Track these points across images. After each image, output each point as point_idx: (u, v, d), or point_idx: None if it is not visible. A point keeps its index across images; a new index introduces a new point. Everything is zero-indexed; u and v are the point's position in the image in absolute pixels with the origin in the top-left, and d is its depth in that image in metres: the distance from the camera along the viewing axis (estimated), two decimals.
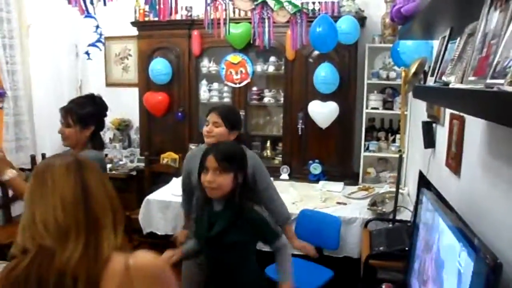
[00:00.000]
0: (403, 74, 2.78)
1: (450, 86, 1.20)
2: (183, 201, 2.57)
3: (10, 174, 1.98)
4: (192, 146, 4.13)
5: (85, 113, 2.18)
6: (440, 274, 1.43)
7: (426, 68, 2.44)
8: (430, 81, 1.57)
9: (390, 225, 2.79)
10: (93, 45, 2.29)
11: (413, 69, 2.48)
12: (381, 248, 2.41)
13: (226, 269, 1.87)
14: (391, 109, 3.76)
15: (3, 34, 3.83)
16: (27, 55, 4.13)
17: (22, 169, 2.67)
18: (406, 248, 2.19)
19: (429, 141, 2.53)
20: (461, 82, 1.11)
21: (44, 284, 1.02)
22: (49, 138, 4.32)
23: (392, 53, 3.35)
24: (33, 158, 4.09)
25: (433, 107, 2.58)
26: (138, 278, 1.05)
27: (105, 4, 2.00)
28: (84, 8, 1.95)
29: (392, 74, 3.73)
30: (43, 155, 4.21)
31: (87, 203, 1.09)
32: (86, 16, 2.18)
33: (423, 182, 2.08)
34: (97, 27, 2.19)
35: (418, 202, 2.00)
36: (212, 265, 1.93)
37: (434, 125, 2.55)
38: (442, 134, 2.30)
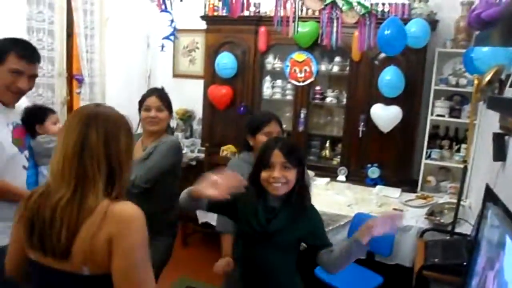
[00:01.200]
0: (475, 81, 2.66)
1: None
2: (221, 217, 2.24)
3: None
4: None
5: (170, 100, 2.37)
6: None
7: (503, 76, 2.33)
8: (509, 92, 1.51)
9: (448, 237, 2.71)
10: (167, 38, 2.41)
11: (488, 77, 2.36)
12: (436, 260, 2.35)
13: (268, 268, 1.78)
14: (458, 117, 3.61)
15: (85, 25, 4.10)
16: (104, 45, 4.39)
17: None
18: (464, 263, 2.13)
19: (500, 154, 2.42)
20: None
21: (42, 217, 1.19)
22: None
23: (464, 59, 3.19)
24: None
25: (507, 119, 2.46)
26: (112, 222, 1.17)
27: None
28: (162, 3, 2.06)
29: (463, 81, 3.58)
30: None
31: (82, 157, 1.20)
32: (162, 11, 2.30)
33: (490, 197, 2.00)
34: (172, 21, 2.30)
35: (482, 216, 1.94)
36: (252, 262, 1.81)
37: (506, 137, 2.43)
38: None
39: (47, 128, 2.07)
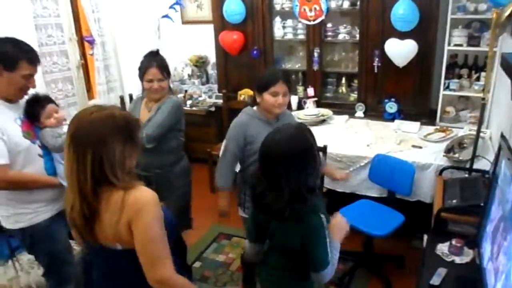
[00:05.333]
0: (494, 15, 2.55)
1: None
2: (224, 171, 2.41)
3: None
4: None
5: (167, 65, 2.55)
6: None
7: None
8: None
9: (466, 175, 2.77)
10: (171, 7, 2.38)
11: (508, 11, 2.26)
12: (454, 201, 2.43)
13: None
14: (478, 45, 3.48)
15: None
16: (109, 1, 4.31)
17: None
18: (481, 204, 2.20)
19: None
20: None
21: (73, 222, 1.48)
22: (134, 78, 4.63)
23: None
24: (121, 98, 4.45)
25: None
26: (128, 210, 1.37)
27: None
28: None
29: (482, 7, 3.40)
30: (130, 96, 4.56)
31: (78, 172, 1.38)
32: None
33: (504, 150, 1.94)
34: None
35: (496, 166, 1.97)
36: None
37: None
38: None
39: (44, 124, 2.14)
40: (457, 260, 2.07)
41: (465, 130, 3.44)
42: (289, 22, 4.26)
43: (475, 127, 2.86)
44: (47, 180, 2.13)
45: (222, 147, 2.46)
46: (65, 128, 2.13)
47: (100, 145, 1.36)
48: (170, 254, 1.44)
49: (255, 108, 2.41)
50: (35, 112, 2.12)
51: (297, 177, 1.60)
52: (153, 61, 2.50)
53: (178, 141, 2.68)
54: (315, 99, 4.24)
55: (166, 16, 2.41)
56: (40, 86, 2.53)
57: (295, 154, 1.61)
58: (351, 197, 3.25)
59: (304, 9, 3.99)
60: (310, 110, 4.09)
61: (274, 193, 1.62)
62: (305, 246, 1.66)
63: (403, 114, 3.88)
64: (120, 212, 1.37)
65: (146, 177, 2.37)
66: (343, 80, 4.29)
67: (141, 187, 1.43)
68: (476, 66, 3.66)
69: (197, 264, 3.29)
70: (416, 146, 3.33)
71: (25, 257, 2.99)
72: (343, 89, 4.31)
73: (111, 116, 1.39)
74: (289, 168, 1.59)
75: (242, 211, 2.52)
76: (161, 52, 2.63)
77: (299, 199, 1.61)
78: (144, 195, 1.40)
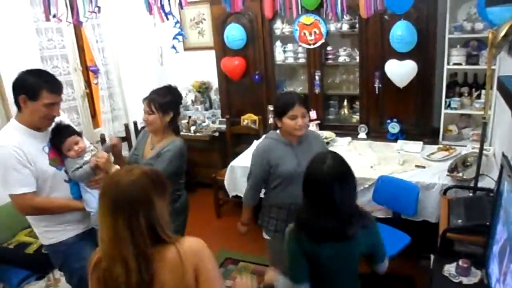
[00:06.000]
0: (490, 36, 2.57)
1: None
2: (253, 193, 2.57)
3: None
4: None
5: (165, 101, 2.48)
6: None
7: None
8: None
9: (471, 194, 2.75)
10: (175, 38, 2.44)
11: (503, 32, 2.28)
12: (459, 221, 2.41)
13: None
14: (477, 63, 3.52)
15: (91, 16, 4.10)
16: (111, 31, 4.40)
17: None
18: (487, 224, 2.19)
19: None
20: None
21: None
22: (138, 106, 4.69)
23: (478, 3, 3.07)
24: (126, 126, 4.50)
25: None
26: (190, 259, 1.36)
27: (181, 7, 2.11)
28: (163, 15, 2.07)
29: (479, 26, 3.45)
30: (135, 123, 4.62)
31: (116, 241, 1.32)
32: (166, 14, 2.31)
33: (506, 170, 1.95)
34: (177, 22, 2.31)
35: (500, 184, 1.97)
36: None
37: None
38: None
39: (66, 155, 2.20)
40: (465, 281, 2.04)
41: (468, 148, 3.44)
42: (290, 46, 4.33)
43: (478, 145, 2.86)
44: (72, 206, 2.24)
45: (249, 172, 2.57)
46: (86, 157, 2.21)
47: (149, 203, 1.32)
48: None
49: (278, 131, 2.49)
50: (57, 143, 2.19)
51: (349, 196, 1.75)
52: (150, 94, 2.53)
53: (177, 185, 2.60)
54: (318, 122, 4.26)
55: (173, 47, 2.46)
56: None
57: (348, 174, 1.74)
58: None
59: (304, 33, 4.05)
60: None
61: (330, 216, 1.71)
62: (373, 246, 1.85)
63: (406, 134, 3.90)
64: (182, 266, 1.34)
65: None
66: (345, 102, 4.32)
67: (187, 237, 1.44)
68: (476, 84, 3.69)
69: None
70: (419, 166, 3.33)
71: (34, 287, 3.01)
72: (345, 111, 4.34)
73: (145, 173, 1.36)
74: (344, 188, 1.70)
75: (265, 233, 2.59)
76: (164, 79, 2.66)
77: (356, 215, 1.76)
78: (196, 241, 1.42)
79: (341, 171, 1.73)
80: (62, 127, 2.22)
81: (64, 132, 2.19)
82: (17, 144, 2.03)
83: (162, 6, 2.13)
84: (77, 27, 4.07)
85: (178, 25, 2.31)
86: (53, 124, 2.20)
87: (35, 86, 2.01)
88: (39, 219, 2.22)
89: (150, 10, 2.18)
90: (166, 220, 1.38)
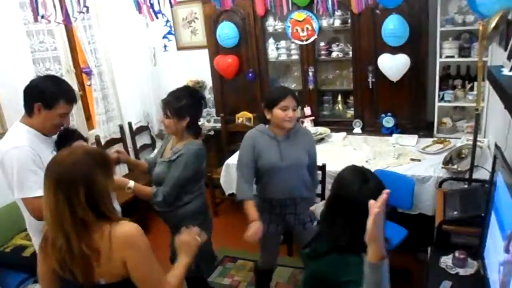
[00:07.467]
0: (480, 28, 2.59)
1: None
2: (245, 186, 2.45)
3: (130, 184, 2.28)
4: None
5: (180, 106, 2.34)
6: None
7: (510, 16, 2.25)
8: None
9: (466, 186, 2.77)
10: (164, 37, 2.43)
11: (493, 23, 2.29)
12: (455, 213, 2.43)
13: None
14: (469, 56, 3.54)
15: (82, 16, 4.07)
16: (103, 32, 4.37)
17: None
18: (482, 214, 2.21)
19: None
20: None
21: (61, 263, 1.44)
22: (132, 107, 4.68)
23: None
24: (121, 127, 4.49)
25: None
26: (119, 248, 1.38)
27: (171, 6, 2.11)
28: (153, 14, 2.07)
29: (469, 18, 3.47)
30: (130, 124, 4.60)
31: (56, 215, 1.39)
32: (156, 13, 2.30)
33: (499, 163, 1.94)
34: (167, 21, 2.31)
35: (493, 177, 1.98)
36: None
37: None
38: None
39: None
40: (462, 272, 2.06)
41: (462, 140, 3.45)
42: (283, 43, 4.33)
43: (472, 138, 2.87)
44: None
45: (236, 164, 2.55)
46: None
47: (90, 181, 1.37)
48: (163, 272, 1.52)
49: (266, 126, 2.50)
50: (64, 147, 2.17)
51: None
52: (166, 96, 2.43)
53: (195, 187, 2.47)
54: (312, 118, 4.27)
55: (164, 46, 2.44)
56: None
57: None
58: None
59: (297, 30, 4.05)
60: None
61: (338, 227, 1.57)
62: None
63: (401, 128, 3.91)
64: (110, 249, 1.37)
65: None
66: (339, 98, 4.33)
67: (124, 221, 1.45)
68: (469, 76, 3.70)
69: None
70: (414, 159, 3.34)
71: None
72: (339, 106, 4.35)
73: (86, 153, 1.43)
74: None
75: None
76: (157, 79, 2.63)
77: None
78: (131, 229, 1.43)
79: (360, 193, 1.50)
80: (69, 132, 2.22)
81: (71, 137, 2.19)
82: (31, 145, 2.01)
83: (152, 5, 2.12)
84: (69, 28, 4.06)
85: (168, 23, 2.29)
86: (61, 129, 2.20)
87: (52, 95, 2.00)
88: (39, 232, 2.12)
89: (139, 9, 2.17)
90: (109, 198, 1.44)
